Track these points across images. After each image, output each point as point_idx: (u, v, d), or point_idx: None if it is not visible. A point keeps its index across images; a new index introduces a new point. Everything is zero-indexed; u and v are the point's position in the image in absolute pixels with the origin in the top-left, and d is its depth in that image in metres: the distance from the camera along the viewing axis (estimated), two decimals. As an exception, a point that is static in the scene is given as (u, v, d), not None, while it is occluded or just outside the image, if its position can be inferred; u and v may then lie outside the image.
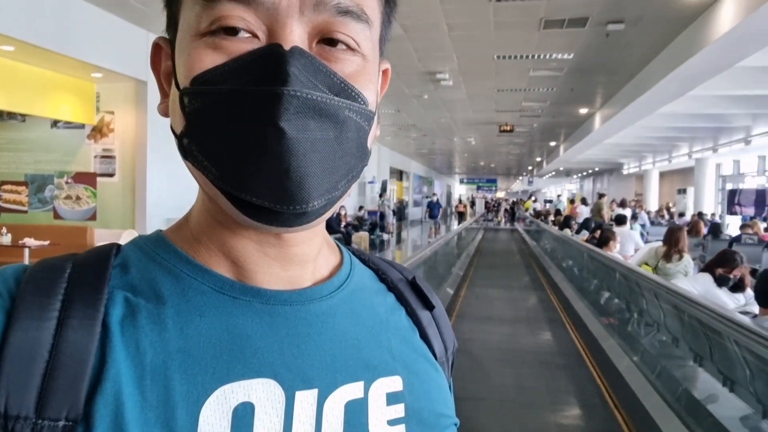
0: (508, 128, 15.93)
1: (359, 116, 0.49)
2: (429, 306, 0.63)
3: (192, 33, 0.48)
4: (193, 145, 0.47)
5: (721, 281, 3.78)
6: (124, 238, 7.62)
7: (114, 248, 0.52)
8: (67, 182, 8.47)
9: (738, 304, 3.60)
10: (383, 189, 21.49)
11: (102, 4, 6.95)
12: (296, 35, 0.46)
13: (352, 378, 0.52)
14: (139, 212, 8.36)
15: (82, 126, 8.37)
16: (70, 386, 0.43)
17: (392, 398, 0.54)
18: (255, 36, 0.47)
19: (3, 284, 0.46)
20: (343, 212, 13.79)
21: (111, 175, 8.39)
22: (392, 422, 0.53)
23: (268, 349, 0.49)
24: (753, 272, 8.14)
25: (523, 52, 8.67)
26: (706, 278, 3.89)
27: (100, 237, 8.21)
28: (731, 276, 3.74)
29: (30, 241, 7.39)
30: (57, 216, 8.52)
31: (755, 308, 3.50)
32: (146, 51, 6.21)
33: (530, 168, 37.25)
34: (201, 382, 0.46)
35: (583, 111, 13.99)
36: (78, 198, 8.45)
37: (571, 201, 25.08)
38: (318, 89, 0.46)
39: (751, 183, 14.90)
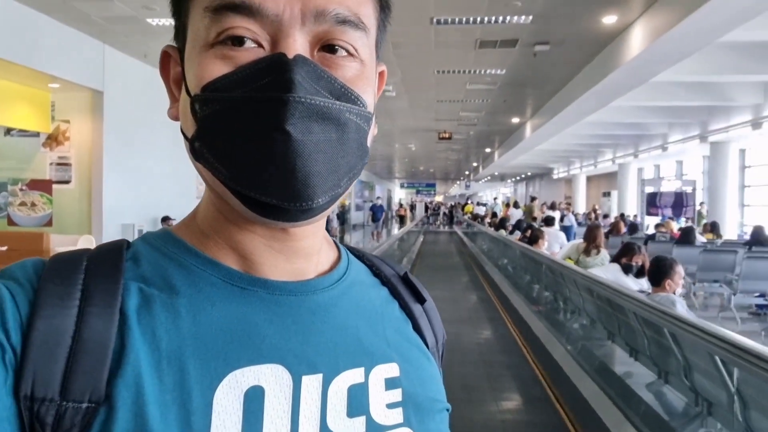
0: (447, 135, 16.78)
1: (359, 118, 0.52)
2: (421, 300, 0.67)
3: (201, 43, 0.51)
4: (205, 148, 0.50)
5: (626, 269, 4.56)
6: (81, 243, 7.91)
7: (125, 243, 0.55)
8: (21, 189, 8.61)
9: (640, 286, 4.35)
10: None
11: (61, 17, 7.21)
12: (299, 44, 0.49)
13: (354, 364, 0.55)
14: (96, 218, 8.60)
15: (37, 134, 8.54)
16: (92, 370, 0.46)
17: (390, 383, 0.57)
18: (260, 45, 0.50)
19: (24, 276, 0.49)
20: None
21: (67, 182, 8.61)
22: (391, 405, 0.56)
23: (276, 336, 0.52)
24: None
25: (461, 68, 9.44)
26: (615, 267, 4.66)
27: (57, 242, 8.37)
28: (633, 264, 4.51)
29: (-13, 247, 7.53)
30: (11, 222, 8.64)
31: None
32: (102, 62, 6.64)
33: (467, 173, 38.57)
34: (214, 366, 0.49)
35: (515, 120, 14.99)
36: (33, 204, 8.61)
37: (507, 204, 26.38)
38: (320, 94, 0.49)
39: (670, 186, 16.24)
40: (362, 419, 0.54)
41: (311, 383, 0.52)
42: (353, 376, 0.54)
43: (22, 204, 8.63)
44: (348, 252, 0.65)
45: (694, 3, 5.52)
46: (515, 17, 6.89)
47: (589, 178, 30.99)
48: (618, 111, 12.93)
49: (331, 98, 0.49)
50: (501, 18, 6.90)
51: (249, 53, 0.49)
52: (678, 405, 3.55)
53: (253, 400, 0.49)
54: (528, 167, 31.55)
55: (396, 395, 0.56)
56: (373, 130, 0.56)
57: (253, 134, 0.47)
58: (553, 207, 16.10)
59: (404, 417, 0.56)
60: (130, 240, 0.58)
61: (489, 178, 40.16)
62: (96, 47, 8.13)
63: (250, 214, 0.51)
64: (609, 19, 6.90)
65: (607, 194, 25.30)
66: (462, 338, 6.42)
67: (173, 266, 0.53)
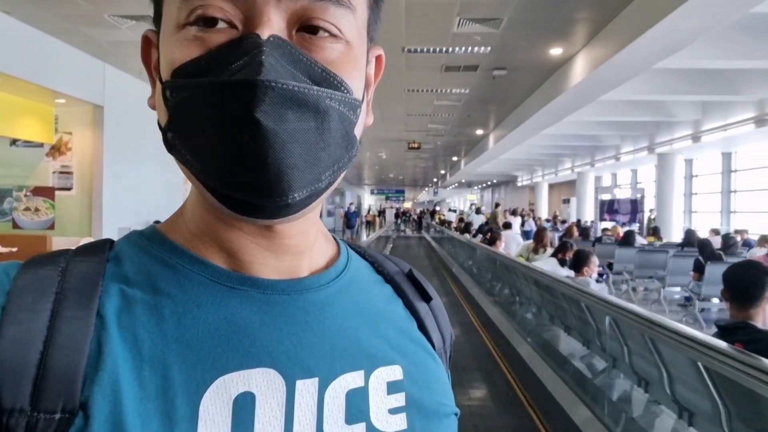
0: (416, 145, 17.84)
1: (342, 105, 0.48)
2: (426, 298, 0.64)
3: (173, 25, 0.48)
4: (176, 139, 0.47)
5: (561, 262, 5.61)
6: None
7: (108, 243, 0.53)
8: (26, 195, 9.34)
9: (571, 275, 5.41)
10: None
11: (69, 40, 8.01)
12: (274, 23, 0.46)
13: (352, 367, 0.52)
14: (96, 222, 9.38)
15: (41, 145, 9.29)
16: (65, 378, 0.43)
17: (393, 387, 0.54)
18: (234, 26, 0.47)
19: None
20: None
21: (69, 188, 9.37)
22: (393, 411, 0.53)
23: (267, 338, 0.49)
24: (610, 265, 10.34)
25: (429, 87, 10.48)
26: (553, 261, 5.71)
27: (59, 244, 9.12)
28: (566, 258, 5.56)
29: (-2, 248, 8.26)
30: (16, 226, 9.35)
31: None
32: (102, 79, 7.59)
33: (435, 180, 39.79)
34: (200, 371, 0.46)
35: (479, 132, 16.13)
36: (37, 209, 9.34)
37: (477, 211, 27.59)
38: (297, 78, 0.45)
39: (622, 194, 17.57)
40: (362, 426, 0.51)
41: (306, 388, 0.49)
42: (352, 379, 0.51)
43: (27, 209, 9.35)
44: (348, 248, 0.63)
45: (626, 39, 6.63)
46: (476, 48, 7.95)
47: (551, 186, 32.45)
48: (575, 125, 14.15)
49: (310, 83, 0.46)
50: (463, 49, 7.96)
51: (221, 35, 0.46)
52: (597, 364, 4.59)
53: (243, 407, 0.46)
54: (493, 175, 32.89)
55: (399, 399, 0.53)
56: (366, 119, 0.54)
57: (223, 123, 0.44)
58: (514, 213, 17.29)
59: (408, 423, 0.53)
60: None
61: (456, 184, 41.48)
62: (97, 65, 8.93)
63: (225, 211, 0.49)
64: (555, 51, 8.01)
65: (566, 201, 26.69)
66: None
67: (158, 265, 0.51)
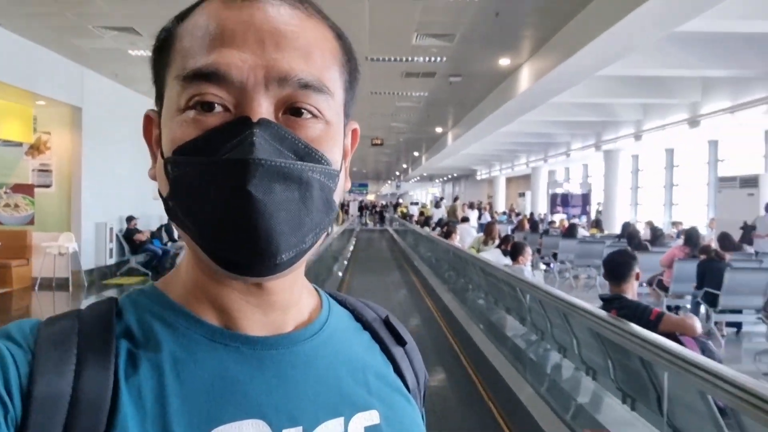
0: (379, 142, 18.61)
1: (323, 176, 0.54)
2: (401, 342, 0.69)
3: (174, 108, 0.54)
4: (177, 207, 0.53)
5: (504, 253, 6.45)
6: (62, 239, 9.29)
7: (114, 303, 0.57)
8: (5, 192, 9.76)
9: (510, 264, 6.25)
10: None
11: (55, 48, 8.47)
12: (263, 108, 0.52)
13: (333, 414, 0.56)
14: (75, 218, 9.87)
15: (20, 144, 9.71)
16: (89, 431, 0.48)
17: (370, 431, 0.58)
18: (228, 110, 0.52)
19: (22, 338, 0.51)
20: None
21: (48, 186, 9.83)
22: None
23: (257, 391, 0.54)
24: (555, 255, 11.30)
25: (391, 90, 11.25)
26: (498, 251, 6.56)
27: (39, 239, 9.62)
28: (508, 249, 6.41)
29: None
30: (-4, 222, 9.77)
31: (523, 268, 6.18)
32: (81, 83, 8.08)
33: (398, 173, 40.68)
34: (197, 424, 0.50)
35: (439, 130, 17.01)
36: (17, 206, 9.77)
37: (437, 205, 28.54)
38: (283, 155, 0.51)
39: (570, 188, 18.67)
40: None
41: None
42: (333, 426, 0.56)
43: (6, 205, 9.78)
44: (329, 298, 0.67)
45: (565, 54, 7.48)
46: (433, 58, 8.74)
47: (508, 179, 33.66)
48: (528, 124, 15.10)
49: (294, 158, 0.52)
50: (422, 58, 8.75)
51: (216, 117, 0.52)
52: (529, 336, 5.45)
53: None
54: (454, 169, 33.93)
55: None
56: (344, 184, 0.59)
57: (219, 195, 0.49)
58: (472, 206, 18.22)
59: None
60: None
61: (418, 178, 42.47)
62: (76, 70, 9.40)
63: (220, 270, 0.53)
64: (504, 62, 8.87)
65: (522, 194, 27.88)
66: (390, 300, 8.21)
67: (158, 324, 0.55)
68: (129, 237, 10.90)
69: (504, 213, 24.89)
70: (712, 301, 6.30)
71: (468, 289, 8.43)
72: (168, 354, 0.53)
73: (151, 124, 0.60)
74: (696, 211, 17.47)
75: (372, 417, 0.58)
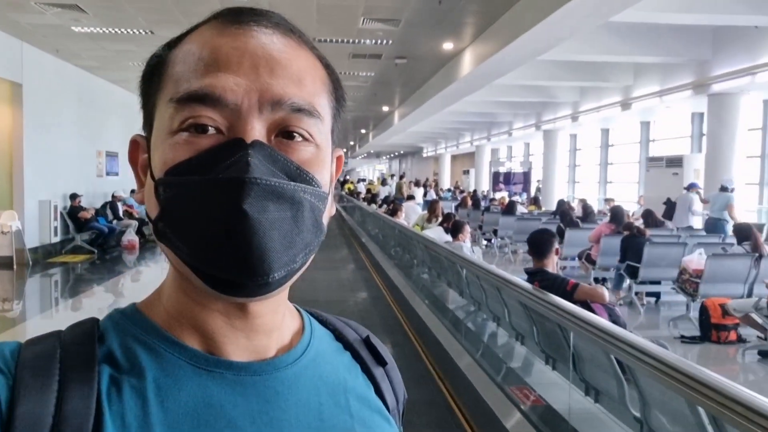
0: (326, 119, 18.74)
1: (314, 197, 0.54)
2: (382, 362, 0.69)
3: (166, 131, 0.53)
4: (167, 228, 0.53)
5: (446, 230, 6.85)
6: (4, 218, 9.12)
7: (94, 324, 0.56)
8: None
9: (450, 241, 6.66)
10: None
11: (-11, 21, 8.28)
12: (257, 131, 0.52)
13: None
14: (17, 195, 9.73)
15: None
16: None
17: None
18: (221, 132, 0.53)
19: (3, 363, 0.50)
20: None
21: (-14, 163, 9.62)
22: None
23: (240, 417, 0.54)
24: (495, 231, 11.84)
25: (340, 70, 11.27)
26: (440, 229, 6.95)
27: (-21, 218, 9.45)
28: (449, 227, 6.81)
29: None
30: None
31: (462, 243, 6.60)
32: (20, 57, 8.09)
33: (345, 150, 40.75)
34: None
35: (386, 109, 17.29)
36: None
37: (383, 182, 28.94)
38: (276, 176, 0.51)
39: (511, 166, 19.33)
40: None
41: None
42: None
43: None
44: (311, 319, 0.67)
45: (505, 40, 7.84)
46: (379, 41, 8.98)
47: (454, 157, 34.31)
48: (472, 104, 15.55)
49: (287, 179, 0.52)
50: (368, 41, 8.98)
51: (210, 139, 0.52)
52: (468, 307, 5.88)
53: None
54: (401, 146, 34.33)
55: None
56: (330, 209, 0.59)
57: (213, 214, 0.50)
58: (417, 184, 18.67)
59: None
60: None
61: (366, 155, 42.70)
62: (15, 45, 9.19)
63: (210, 291, 0.53)
64: (447, 45, 9.20)
65: (466, 172, 28.55)
66: (339, 277, 8.56)
67: (141, 348, 0.54)
68: (73, 215, 10.80)
69: (449, 190, 25.48)
70: (633, 273, 6.88)
71: (413, 264, 8.84)
72: (151, 380, 0.52)
73: (137, 149, 0.60)
74: (629, 189, 18.42)
75: None
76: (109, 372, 0.52)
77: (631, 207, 13.88)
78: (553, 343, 3.68)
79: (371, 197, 16.37)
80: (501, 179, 18.31)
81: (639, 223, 8.46)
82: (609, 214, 9.30)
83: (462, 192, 22.36)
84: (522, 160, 22.12)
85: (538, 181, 19.69)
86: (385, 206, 12.65)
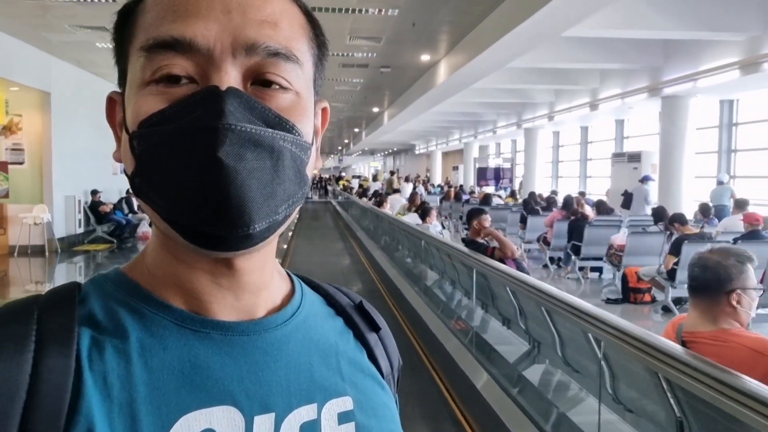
0: (321, 120, 20.02)
1: (295, 146, 0.52)
2: (375, 328, 0.68)
3: (138, 83, 0.52)
4: (144, 183, 0.50)
5: (419, 216, 8.15)
6: (36, 211, 10.45)
7: (76, 289, 0.54)
8: (-20, 169, 10.77)
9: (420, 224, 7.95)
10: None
11: (22, 38, 9.51)
12: (231, 77, 0.50)
13: (306, 400, 0.55)
14: (46, 192, 11.00)
15: (-6, 124, 10.72)
16: (49, 424, 0.45)
17: (343, 417, 0.57)
18: (194, 81, 0.51)
19: None
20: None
21: (21, 163, 10.90)
22: None
23: (228, 378, 0.52)
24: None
25: (331, 77, 12.72)
26: (415, 215, 8.25)
27: (14, 210, 10.74)
28: (417, 212, 8.11)
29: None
30: (-28, 196, 10.79)
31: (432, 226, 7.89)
32: (49, 69, 9.51)
33: (340, 148, 42.08)
34: (165, 412, 0.49)
35: (376, 110, 18.59)
36: (-8, 181, 10.82)
37: (375, 178, 30.27)
38: (254, 123, 0.49)
39: (493, 162, 20.61)
40: None
41: (263, 423, 0.52)
42: (306, 413, 0.55)
43: (-18, 181, 10.80)
44: (302, 283, 0.66)
45: (472, 54, 9.11)
46: (365, 53, 10.28)
47: (445, 154, 35.61)
48: (459, 104, 16.83)
49: (265, 126, 0.50)
50: (355, 54, 10.27)
51: (183, 89, 0.50)
52: (431, 277, 7.17)
53: None
54: (394, 144, 35.61)
55: (349, 429, 0.57)
56: (315, 161, 0.58)
57: (188, 165, 0.48)
58: (407, 180, 19.94)
59: None
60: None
61: (360, 152, 44.00)
62: (45, 59, 10.45)
63: (191, 247, 0.51)
64: (425, 57, 10.50)
65: (456, 168, 29.85)
66: (331, 258, 9.85)
67: (124, 310, 0.53)
68: (94, 208, 12.07)
69: (439, 186, 26.78)
70: (577, 251, 8.20)
71: (396, 247, 10.17)
72: (135, 340, 0.51)
73: (114, 106, 0.58)
74: (606, 183, 19.73)
75: (345, 403, 0.58)
76: (90, 333, 0.50)
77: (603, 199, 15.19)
78: (484, 291, 4.99)
79: (362, 191, 17.67)
80: (489, 175, 19.61)
81: (589, 210, 9.77)
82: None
83: (450, 187, 23.69)
84: (507, 156, 23.41)
85: (522, 176, 20.97)
86: (374, 199, 13.97)
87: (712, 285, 1.88)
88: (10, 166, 10.87)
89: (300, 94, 0.55)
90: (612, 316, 2.44)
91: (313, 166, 0.58)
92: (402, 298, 6.87)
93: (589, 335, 2.80)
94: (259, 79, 0.52)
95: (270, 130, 0.50)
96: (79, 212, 11.73)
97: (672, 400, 2.23)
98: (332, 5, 7.46)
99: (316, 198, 38.20)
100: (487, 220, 5.15)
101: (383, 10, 7.69)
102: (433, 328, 5.33)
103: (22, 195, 10.96)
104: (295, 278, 0.65)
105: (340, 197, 30.52)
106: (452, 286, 6.32)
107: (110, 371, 0.49)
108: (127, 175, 0.53)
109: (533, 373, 4.04)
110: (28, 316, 0.50)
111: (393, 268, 8.22)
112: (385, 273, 8.30)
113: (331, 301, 0.67)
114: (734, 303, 1.86)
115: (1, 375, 0.46)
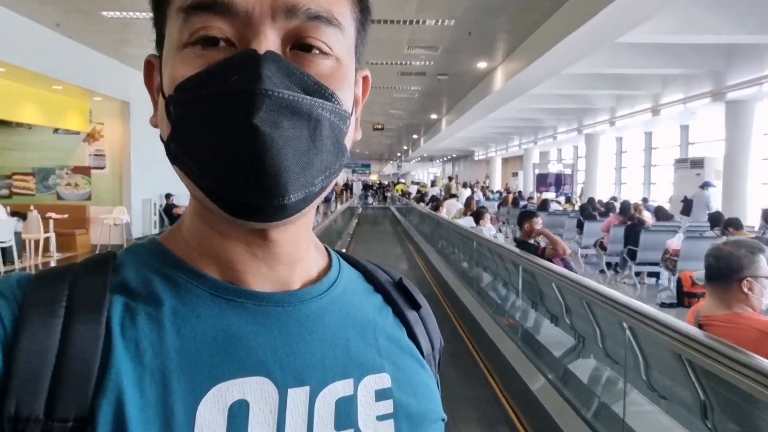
0: (380, 126, 20.48)
1: (334, 115, 0.50)
2: (416, 306, 0.66)
3: (175, 45, 0.51)
4: (179, 149, 0.50)
5: (473, 219, 8.36)
6: (116, 212, 11.20)
7: (111, 256, 0.54)
8: (66, 173, 11.70)
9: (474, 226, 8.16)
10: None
11: (104, 51, 10.30)
12: (270, 41, 0.49)
13: (342, 375, 0.54)
14: (125, 194, 11.83)
15: (78, 133, 11.62)
16: (77, 388, 0.45)
17: (381, 395, 0.56)
18: (232, 44, 0.49)
19: (9, 291, 0.49)
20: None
21: (102, 168, 11.77)
22: (381, 417, 0.55)
23: (261, 348, 0.51)
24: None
25: (389, 85, 13.11)
26: (470, 219, 8.46)
27: (96, 212, 11.59)
28: (471, 216, 8.32)
29: (53, 215, 10.66)
30: (59, 198, 11.73)
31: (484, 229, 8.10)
32: (128, 81, 10.26)
33: (399, 154, 42.52)
34: (198, 380, 0.48)
35: (434, 116, 18.86)
36: (76, 185, 11.72)
37: (433, 183, 30.51)
38: (291, 89, 0.48)
39: (553, 168, 20.49)
40: None
41: (297, 396, 0.51)
42: (342, 388, 0.54)
43: (68, 184, 11.73)
44: (339, 258, 0.65)
45: (530, 59, 9.25)
46: (422, 62, 10.59)
47: (505, 160, 35.42)
48: (518, 110, 16.93)
49: (303, 93, 0.48)
50: (413, 62, 10.60)
51: (220, 52, 0.49)
52: (485, 279, 7.38)
53: (238, 414, 0.48)
54: (452, 150, 35.73)
55: (387, 407, 0.56)
56: (354, 133, 0.57)
57: (222, 131, 0.46)
58: (465, 185, 20.09)
59: (395, 429, 0.56)
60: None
61: (419, 158, 44.31)
62: (124, 71, 11.27)
63: (226, 216, 0.50)
64: (482, 64, 10.71)
65: (515, 174, 29.70)
66: (388, 261, 10.18)
67: (159, 278, 0.53)
68: (168, 211, 12.84)
69: (498, 192, 26.75)
70: (633, 255, 8.22)
71: (452, 251, 10.41)
72: (168, 308, 0.51)
73: (152, 70, 0.57)
74: (669, 189, 19.29)
75: (383, 380, 0.57)
76: (123, 300, 0.50)
77: (665, 206, 14.92)
78: (533, 290, 5.18)
79: (420, 197, 17.97)
80: (550, 181, 19.55)
81: (648, 216, 9.73)
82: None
83: (509, 193, 23.65)
84: (566, 163, 23.21)
85: (583, 182, 20.76)
86: (430, 204, 14.23)
87: (725, 273, 2.08)
88: (92, 171, 11.75)
89: (341, 60, 0.53)
90: (639, 303, 2.64)
91: (352, 137, 0.57)
92: (459, 303, 7.11)
93: (624, 324, 2.99)
94: (299, 44, 0.51)
95: (308, 97, 0.49)
96: (155, 214, 12.52)
97: (696, 384, 2.42)
98: (391, 17, 7.81)
99: (375, 204, 38.78)
100: (537, 222, 5.35)
101: (440, 21, 7.98)
102: (489, 333, 5.55)
103: (103, 198, 11.82)
104: (333, 253, 0.65)
105: (398, 203, 30.94)
106: (505, 288, 6.51)
107: (142, 338, 0.49)
108: (163, 141, 0.52)
109: (580, 368, 4.22)
110: (60, 282, 0.50)
111: (449, 272, 8.47)
112: (442, 277, 8.55)
113: (369, 277, 0.66)
114: (746, 290, 2.04)
115: (31, 338, 0.46)
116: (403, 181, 43.02)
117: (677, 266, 7.15)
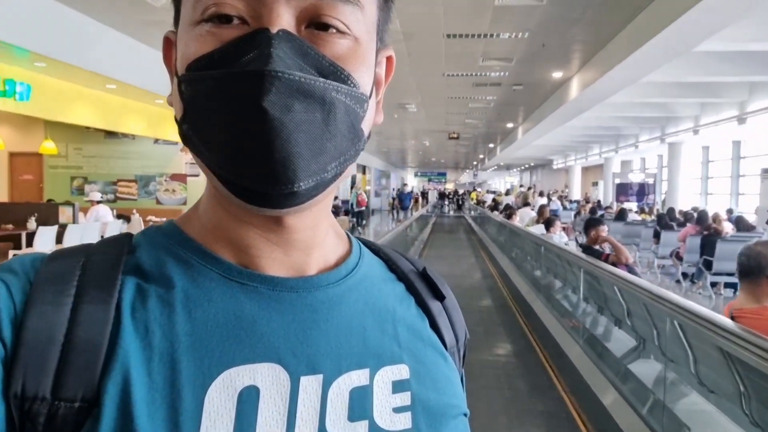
0: (455, 136, 20.76)
1: (349, 98, 0.49)
2: (440, 296, 0.64)
3: (188, 22, 0.49)
4: (191, 130, 0.48)
5: (544, 227, 8.55)
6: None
7: (127, 237, 0.54)
8: (165, 180, 12.75)
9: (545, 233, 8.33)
10: (354, 181, 26.11)
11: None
12: (284, 19, 0.47)
13: (358, 365, 0.53)
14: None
15: (176, 143, 12.63)
16: (84, 369, 0.45)
17: (398, 386, 0.54)
18: (246, 22, 0.48)
19: (22, 270, 0.49)
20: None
21: (197, 175, 12.72)
22: (398, 410, 0.53)
23: (274, 334, 0.50)
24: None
25: (464, 95, 13.43)
26: (541, 226, 8.65)
27: (190, 216, 12.53)
28: (543, 223, 8.49)
29: (153, 218, 11.67)
30: (158, 203, 12.79)
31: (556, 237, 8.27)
32: None
33: (475, 163, 42.50)
34: (207, 364, 0.47)
35: (510, 125, 18.95)
36: (174, 190, 12.75)
37: (507, 193, 30.40)
38: (305, 71, 0.46)
39: (635, 178, 20.08)
40: (364, 423, 0.51)
41: (310, 384, 0.50)
42: (357, 377, 0.52)
43: (166, 190, 12.78)
44: (361, 245, 0.63)
45: (605, 68, 9.34)
46: (497, 73, 10.86)
47: (585, 169, 34.71)
48: (597, 119, 16.80)
49: (317, 75, 0.47)
50: (488, 74, 10.89)
51: (233, 30, 0.48)
52: (555, 284, 7.55)
53: (247, 400, 0.47)
54: (530, 159, 35.38)
55: (404, 399, 0.54)
56: (373, 115, 0.55)
57: (231, 114, 0.45)
58: (541, 194, 20.05)
59: (413, 422, 0.54)
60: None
61: (495, 167, 44.12)
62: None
63: (235, 201, 0.49)
64: (557, 74, 10.85)
65: (595, 184, 29.13)
66: (461, 269, 10.47)
67: (172, 260, 0.52)
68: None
69: (576, 201, 26.35)
70: (709, 266, 8.15)
71: (524, 258, 10.59)
72: (180, 290, 0.50)
73: (170, 48, 0.55)
74: (757, 200, 18.49)
75: (400, 371, 0.55)
76: (135, 281, 0.50)
77: (751, 217, 14.39)
78: (598, 294, 5.38)
79: (494, 205, 18.13)
80: (633, 190, 19.22)
81: (728, 226, 9.55)
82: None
83: (587, 203, 23.31)
84: (649, 172, 22.67)
85: (665, 192, 20.23)
86: (504, 212, 14.42)
87: (755, 270, 2.32)
88: (188, 178, 12.75)
89: (359, 40, 0.51)
90: (682, 299, 2.88)
91: (372, 121, 0.55)
92: (532, 314, 7.34)
93: (675, 321, 3.22)
94: (315, 22, 0.49)
95: (322, 79, 0.47)
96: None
97: (735, 374, 2.64)
98: (466, 31, 8.16)
99: (451, 213, 38.97)
100: (603, 230, 5.55)
101: (515, 34, 8.26)
102: (560, 342, 5.78)
103: (197, 203, 12.76)
104: (354, 240, 0.63)
105: (473, 212, 31.03)
106: (573, 292, 6.69)
107: (152, 320, 0.48)
108: (176, 120, 0.51)
109: (641, 368, 4.41)
110: (73, 262, 0.50)
111: (522, 281, 8.68)
112: (515, 288, 8.77)
113: (392, 266, 0.64)
114: (774, 286, 2.28)
115: (40, 317, 0.45)
116: (478, 189, 42.93)
117: (754, 277, 7.07)
